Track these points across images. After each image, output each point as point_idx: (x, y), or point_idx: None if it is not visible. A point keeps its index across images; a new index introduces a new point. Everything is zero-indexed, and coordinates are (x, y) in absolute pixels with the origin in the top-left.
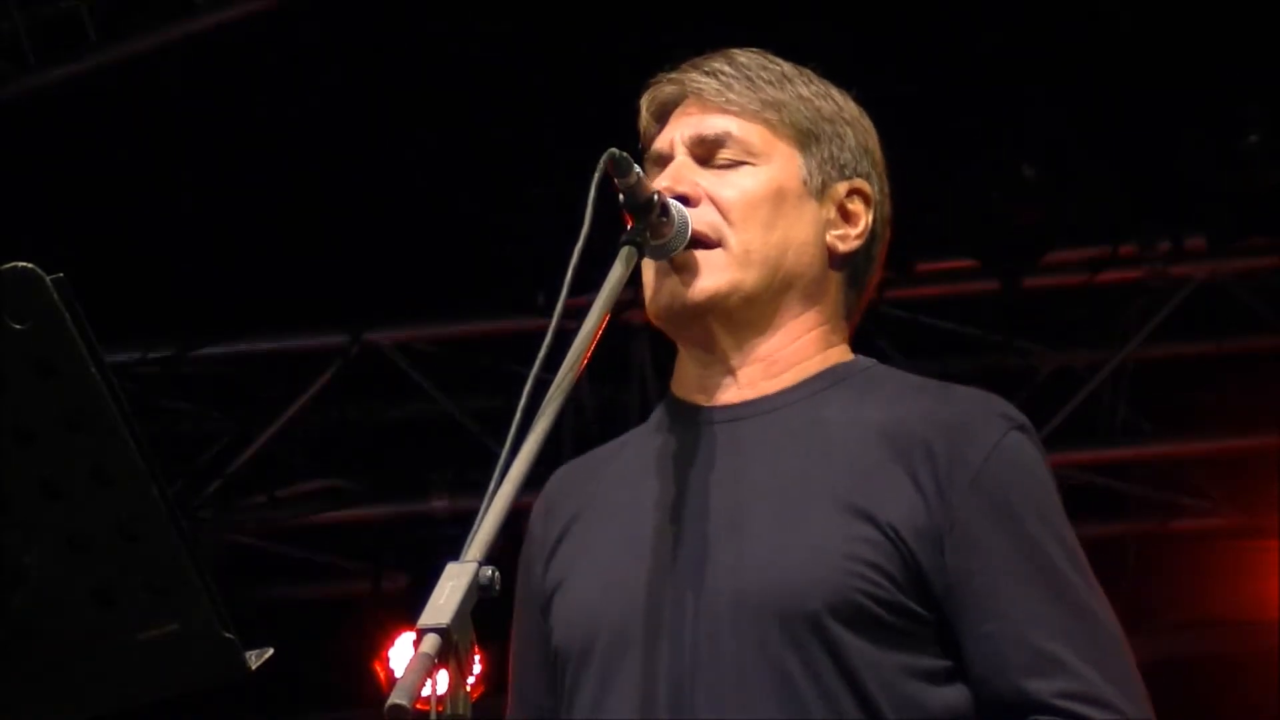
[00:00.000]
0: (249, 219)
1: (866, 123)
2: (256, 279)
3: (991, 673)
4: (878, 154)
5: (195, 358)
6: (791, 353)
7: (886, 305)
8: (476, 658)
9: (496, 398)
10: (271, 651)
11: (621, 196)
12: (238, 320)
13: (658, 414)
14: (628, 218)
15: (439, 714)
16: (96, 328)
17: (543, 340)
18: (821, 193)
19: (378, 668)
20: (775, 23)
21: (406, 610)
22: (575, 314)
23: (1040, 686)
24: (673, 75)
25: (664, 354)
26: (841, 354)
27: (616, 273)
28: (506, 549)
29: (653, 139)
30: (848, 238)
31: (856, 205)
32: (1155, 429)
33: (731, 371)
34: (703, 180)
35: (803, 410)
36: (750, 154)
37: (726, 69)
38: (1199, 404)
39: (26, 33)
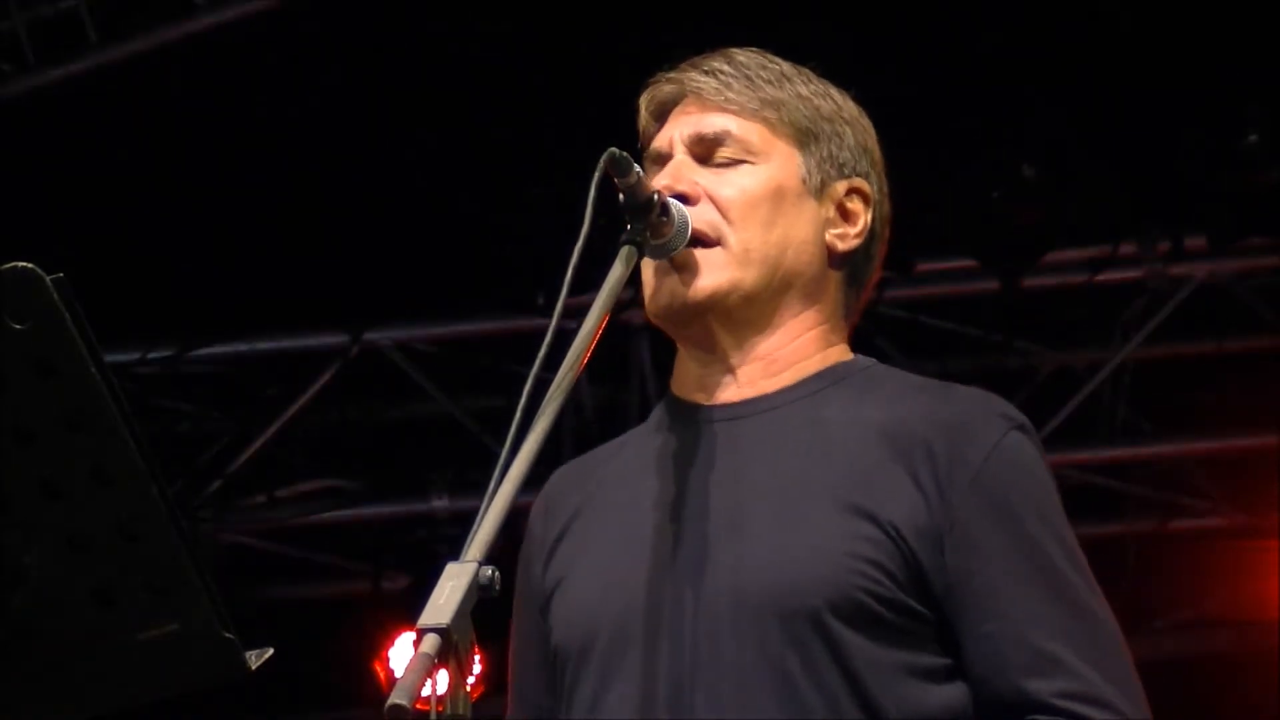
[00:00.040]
0: (249, 219)
1: (866, 122)
2: (256, 279)
3: (991, 672)
4: (877, 153)
5: (195, 358)
6: (791, 351)
7: (886, 305)
8: (476, 658)
9: (496, 398)
10: (271, 651)
11: (621, 196)
12: (238, 320)
13: (657, 413)
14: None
15: (439, 714)
16: (96, 328)
17: (543, 340)
18: (821, 191)
19: (378, 668)
20: (775, 23)
21: (406, 610)
22: (575, 314)
23: (1040, 686)
24: (672, 74)
25: (664, 354)
26: (841, 353)
27: (616, 272)
28: (506, 549)
29: (652, 138)
30: (847, 237)
31: (856, 204)
32: (1155, 429)
33: (731, 370)
34: (702, 179)
35: (802, 409)
36: (749, 152)
37: (726, 68)
38: (1199, 404)
39: (26, 33)
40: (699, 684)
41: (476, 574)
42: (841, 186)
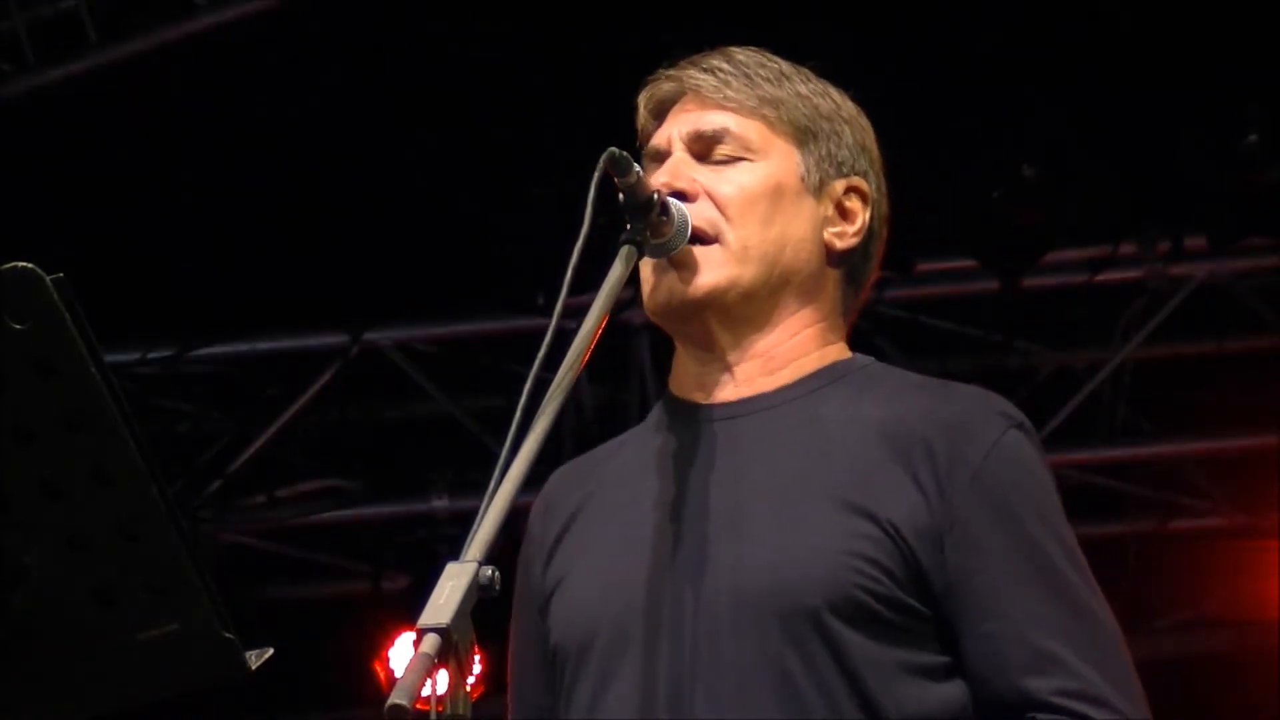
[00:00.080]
0: (249, 219)
1: (864, 121)
2: (256, 279)
3: (991, 671)
4: (875, 152)
5: (195, 358)
6: (788, 349)
7: (886, 305)
8: (476, 658)
9: (496, 398)
10: (271, 651)
11: (621, 196)
12: (238, 320)
13: (656, 413)
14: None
15: (439, 714)
16: (96, 328)
17: (543, 340)
18: (819, 190)
19: (378, 668)
20: (775, 23)
21: (406, 610)
22: (575, 314)
23: (1039, 685)
24: (670, 72)
25: (664, 354)
26: (839, 351)
27: (616, 272)
28: (506, 549)
29: (650, 136)
30: (845, 235)
31: (854, 203)
32: (1155, 429)
33: (729, 368)
34: (700, 176)
35: (801, 408)
36: (748, 150)
37: (725, 66)
38: (1199, 404)
39: (26, 33)
40: (698, 683)
41: (476, 574)
42: (840, 185)
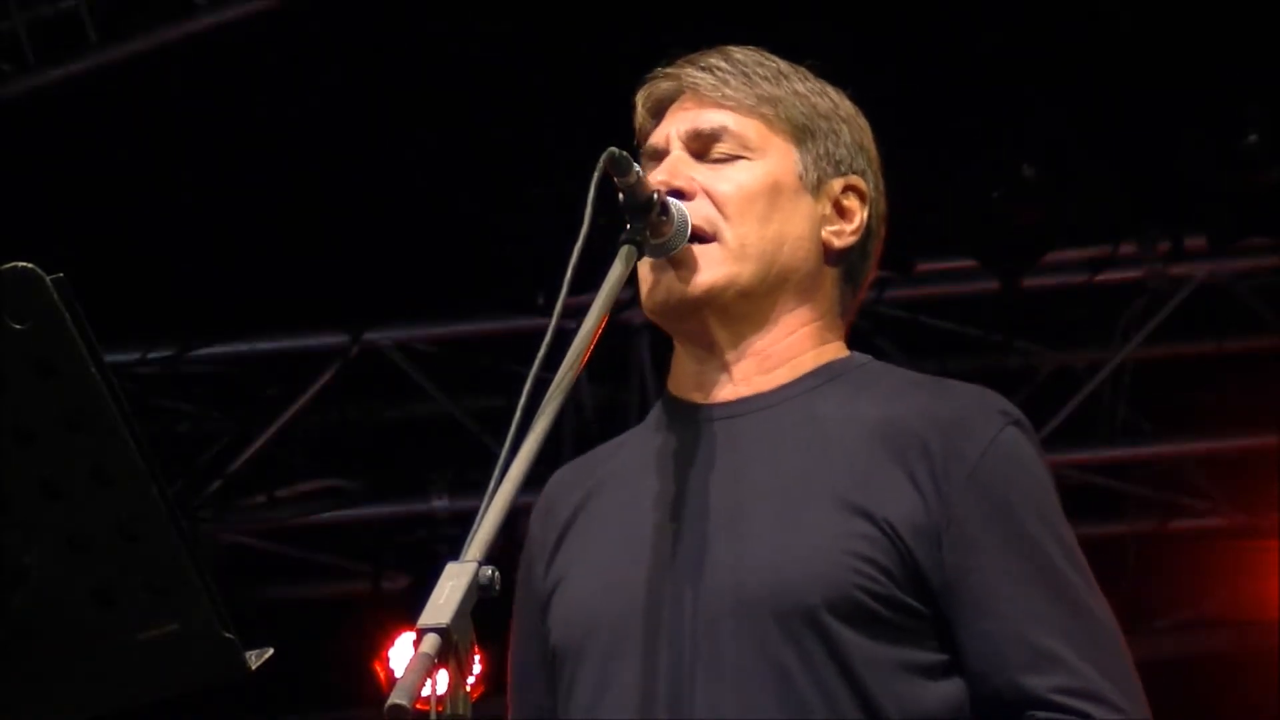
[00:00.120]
0: (249, 219)
1: (862, 121)
2: (256, 279)
3: (989, 669)
4: (873, 151)
5: (195, 358)
6: (785, 348)
7: (886, 305)
8: (476, 658)
9: (496, 398)
10: (271, 651)
11: (621, 196)
12: (238, 320)
13: (655, 413)
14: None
15: (439, 714)
16: (96, 328)
17: (543, 340)
18: (817, 188)
19: (378, 668)
20: (775, 23)
21: (406, 610)
22: (575, 314)
23: (1038, 683)
24: (668, 70)
25: (664, 354)
26: (837, 350)
27: (616, 272)
28: (506, 549)
29: (648, 134)
30: (843, 234)
31: (852, 201)
32: (1155, 429)
33: (727, 367)
34: (698, 174)
35: (799, 406)
36: (746, 148)
37: (723, 65)
38: (1199, 404)
39: (26, 33)
40: (698, 683)
41: (476, 574)
42: (838, 184)
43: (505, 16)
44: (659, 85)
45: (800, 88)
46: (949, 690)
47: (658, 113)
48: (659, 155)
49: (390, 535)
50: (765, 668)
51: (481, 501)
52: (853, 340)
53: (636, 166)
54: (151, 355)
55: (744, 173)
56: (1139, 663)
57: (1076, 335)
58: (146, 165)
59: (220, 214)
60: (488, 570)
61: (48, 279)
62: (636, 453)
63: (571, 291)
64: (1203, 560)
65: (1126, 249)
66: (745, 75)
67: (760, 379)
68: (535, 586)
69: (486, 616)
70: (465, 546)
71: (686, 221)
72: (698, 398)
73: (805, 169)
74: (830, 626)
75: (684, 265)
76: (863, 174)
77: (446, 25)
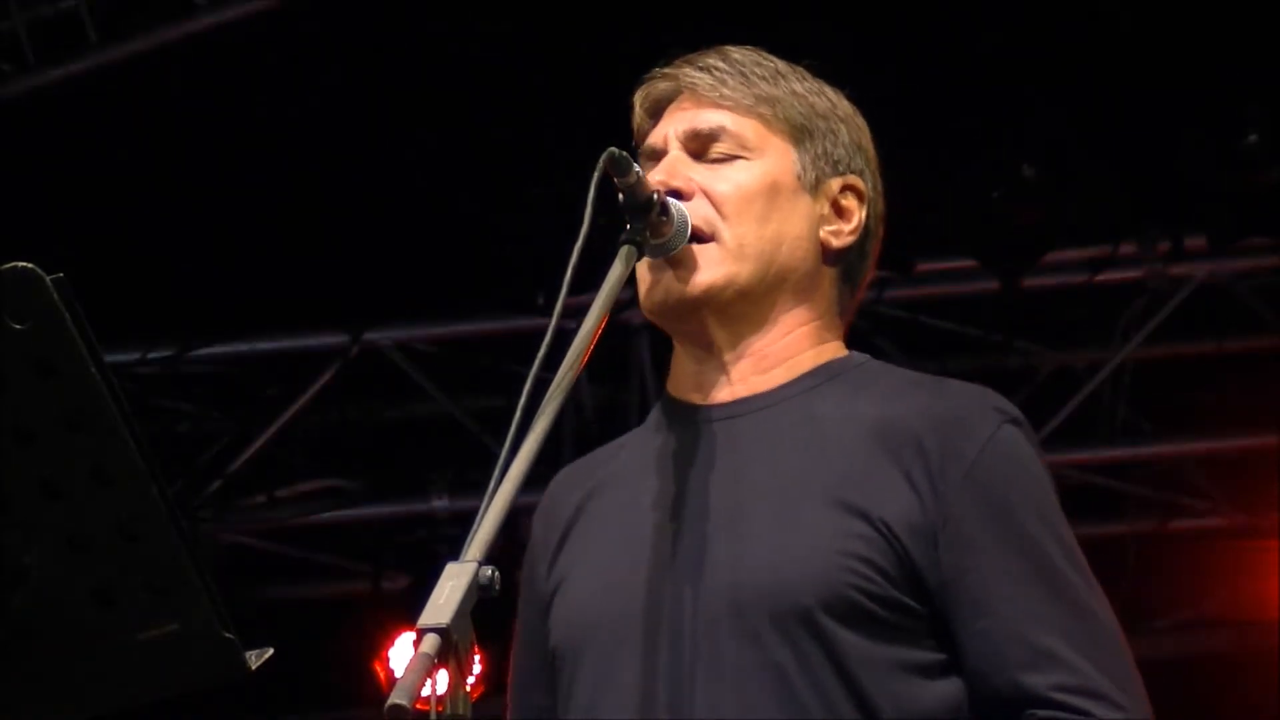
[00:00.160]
0: (249, 219)
1: (860, 120)
2: (256, 279)
3: (988, 668)
4: (871, 151)
5: (195, 358)
6: (783, 347)
7: (886, 305)
8: (476, 658)
9: (496, 398)
10: (271, 651)
11: (621, 196)
12: (238, 320)
13: (655, 414)
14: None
15: (439, 714)
16: (96, 328)
17: (543, 340)
18: (815, 188)
19: (378, 668)
20: (775, 23)
21: (406, 610)
22: (575, 314)
23: (1036, 680)
24: (666, 71)
25: (664, 354)
26: (835, 350)
27: (616, 272)
28: (506, 549)
29: (646, 134)
30: (841, 233)
31: (850, 201)
32: (1155, 429)
33: (725, 367)
34: (696, 174)
35: (797, 406)
36: (744, 148)
37: (721, 65)
38: (1199, 404)
39: (26, 33)
40: (698, 683)
41: (476, 574)
42: (836, 183)
43: (505, 16)
44: (657, 85)
45: (798, 87)
46: (947, 689)
47: (656, 113)
48: (657, 155)
49: (390, 535)
50: (763, 668)
51: (481, 501)
52: (853, 340)
53: (636, 167)
54: (151, 355)
55: (742, 173)
56: (1139, 663)
57: (1076, 335)
58: (146, 165)
59: (220, 214)
60: (488, 570)
61: (48, 279)
62: (636, 454)
63: (571, 291)
64: (1203, 560)
65: (1126, 249)
66: (743, 75)
67: (758, 379)
68: (537, 588)
69: (486, 616)
70: (465, 546)
71: (686, 222)
72: (696, 399)
73: (803, 169)
74: (826, 627)
75: (683, 265)
76: (861, 174)
77: (446, 25)
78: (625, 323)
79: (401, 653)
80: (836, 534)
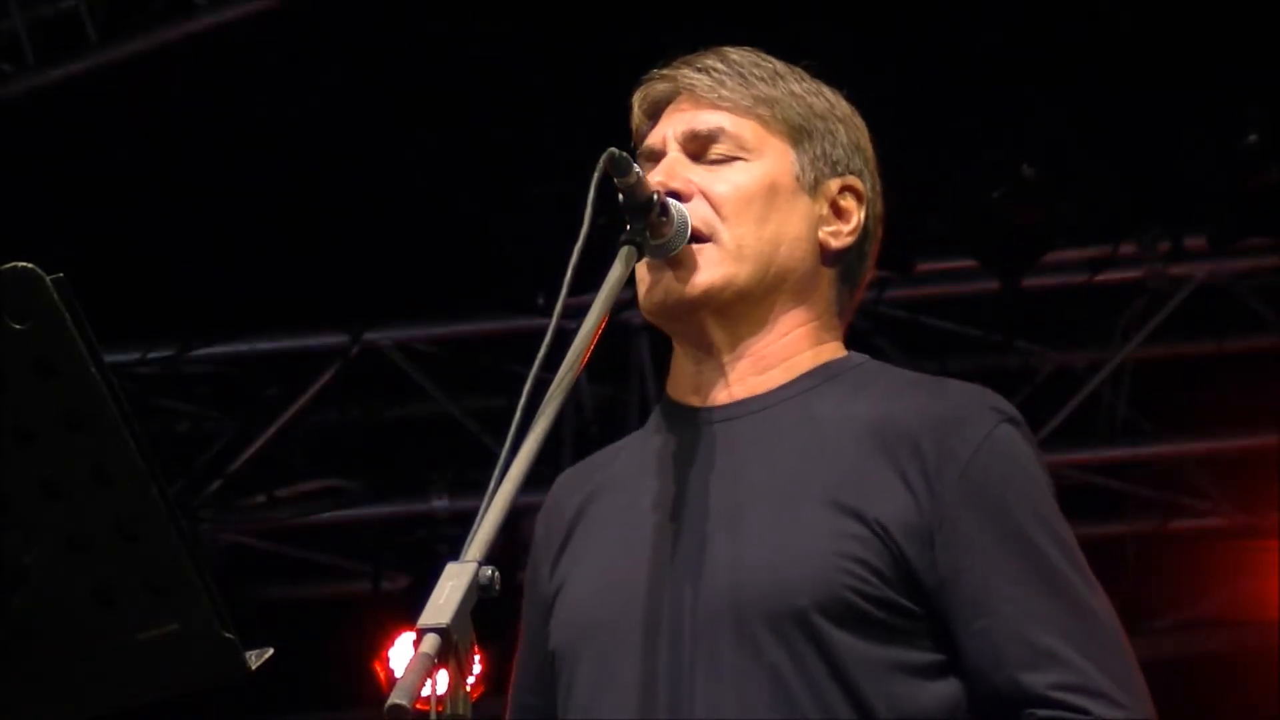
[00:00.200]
0: (249, 219)
1: (858, 121)
2: (256, 279)
3: (988, 668)
4: (870, 152)
5: (195, 358)
6: (781, 348)
7: (886, 305)
8: (476, 658)
9: (496, 398)
10: (271, 651)
11: (621, 196)
12: (238, 320)
13: (655, 417)
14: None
15: (439, 714)
16: (96, 328)
17: (543, 340)
18: (814, 189)
19: (378, 668)
20: (775, 23)
21: (406, 610)
22: (575, 314)
23: (1035, 679)
24: (665, 72)
25: (664, 354)
26: (834, 350)
27: (616, 272)
28: (507, 549)
29: (645, 136)
30: (840, 234)
31: (849, 202)
32: (1155, 429)
33: (723, 368)
34: (695, 176)
35: (795, 407)
36: (743, 149)
37: (719, 66)
38: (1199, 404)
39: (26, 33)
40: (698, 684)
41: (476, 574)
42: (835, 184)
43: (505, 16)
44: (655, 86)
45: (797, 88)
46: (944, 690)
47: (654, 114)
48: (656, 156)
49: (390, 535)
50: (759, 669)
51: (481, 501)
52: (852, 340)
53: (636, 167)
54: (151, 355)
55: (741, 174)
56: (1138, 663)
57: (1076, 335)
58: (146, 165)
59: (220, 214)
60: (488, 570)
61: (48, 279)
62: (636, 457)
63: (571, 291)
64: (1203, 560)
65: (1126, 249)
66: (741, 76)
67: (756, 380)
68: (540, 590)
69: (486, 616)
70: (465, 546)
71: (686, 222)
72: (695, 401)
73: (802, 169)
74: (821, 628)
75: (682, 266)
76: (860, 174)
77: (446, 25)
78: (625, 323)
79: (401, 653)
80: (832, 535)
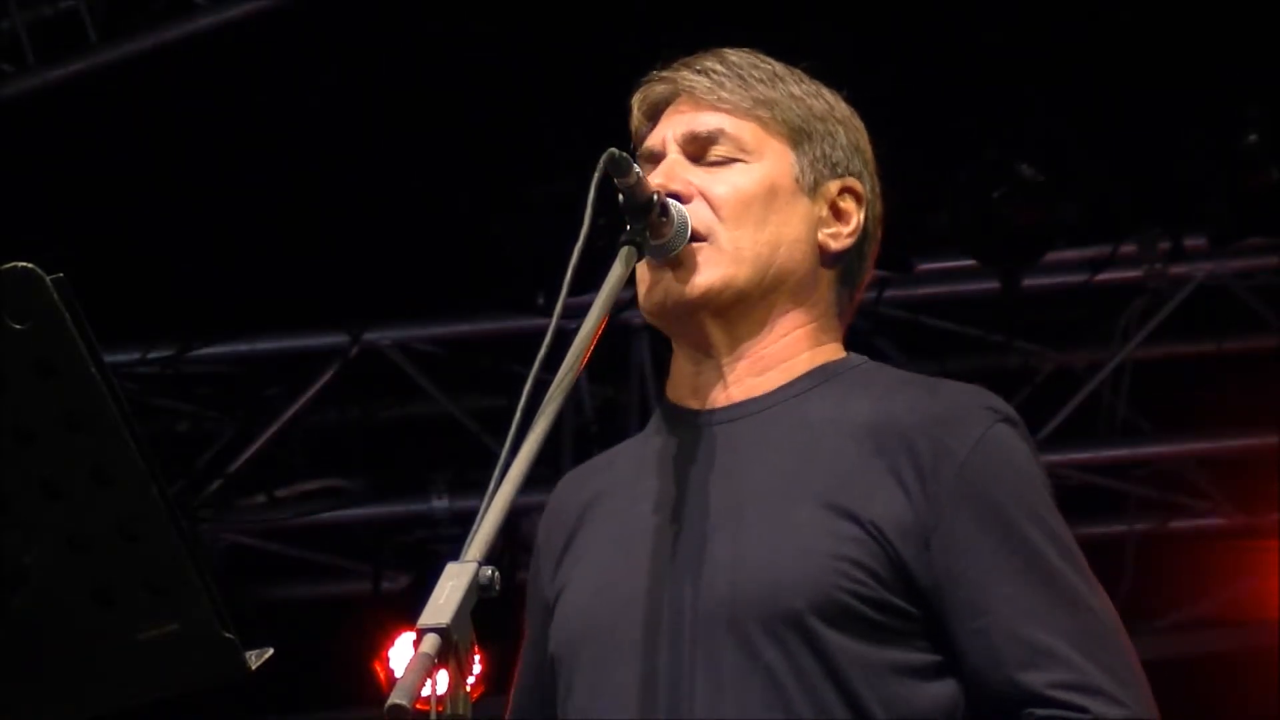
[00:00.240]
0: (249, 219)
1: (858, 122)
2: (256, 279)
3: (986, 668)
4: (869, 153)
5: (195, 358)
6: (778, 350)
7: (886, 305)
8: (476, 658)
9: (496, 398)
10: (271, 651)
11: (621, 196)
12: (238, 320)
13: (654, 420)
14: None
15: (439, 714)
16: (96, 328)
17: (543, 340)
18: (814, 190)
19: (378, 668)
20: (775, 23)
21: (406, 610)
22: (575, 314)
23: (1033, 678)
24: (664, 74)
25: (663, 354)
26: (832, 352)
27: (616, 273)
28: (506, 549)
29: (644, 137)
30: (839, 236)
31: (848, 203)
32: (1155, 429)
33: (722, 370)
34: (695, 177)
35: (792, 409)
36: (743, 151)
37: (718, 67)
38: (1199, 404)
39: (27, 33)
40: (697, 685)
41: (476, 574)
42: (834, 186)
43: (504, 17)
44: (654, 88)
45: (796, 90)
46: (941, 691)
47: (653, 115)
48: (655, 158)
49: (390, 535)
50: (755, 671)
51: (481, 501)
52: (852, 341)
53: (636, 167)
54: (151, 355)
55: (740, 176)
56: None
57: (1076, 335)
58: (146, 165)
59: (220, 214)
60: (488, 570)
61: (48, 279)
62: (636, 460)
63: (571, 291)
64: (1203, 560)
65: (1126, 249)
66: (741, 78)
67: (754, 381)
68: (542, 593)
69: (486, 616)
70: (465, 546)
71: (686, 223)
72: (694, 404)
73: (802, 171)
74: (816, 630)
75: (682, 266)
76: (859, 176)
77: (445, 25)
78: (625, 323)
79: (401, 653)
80: (828, 537)
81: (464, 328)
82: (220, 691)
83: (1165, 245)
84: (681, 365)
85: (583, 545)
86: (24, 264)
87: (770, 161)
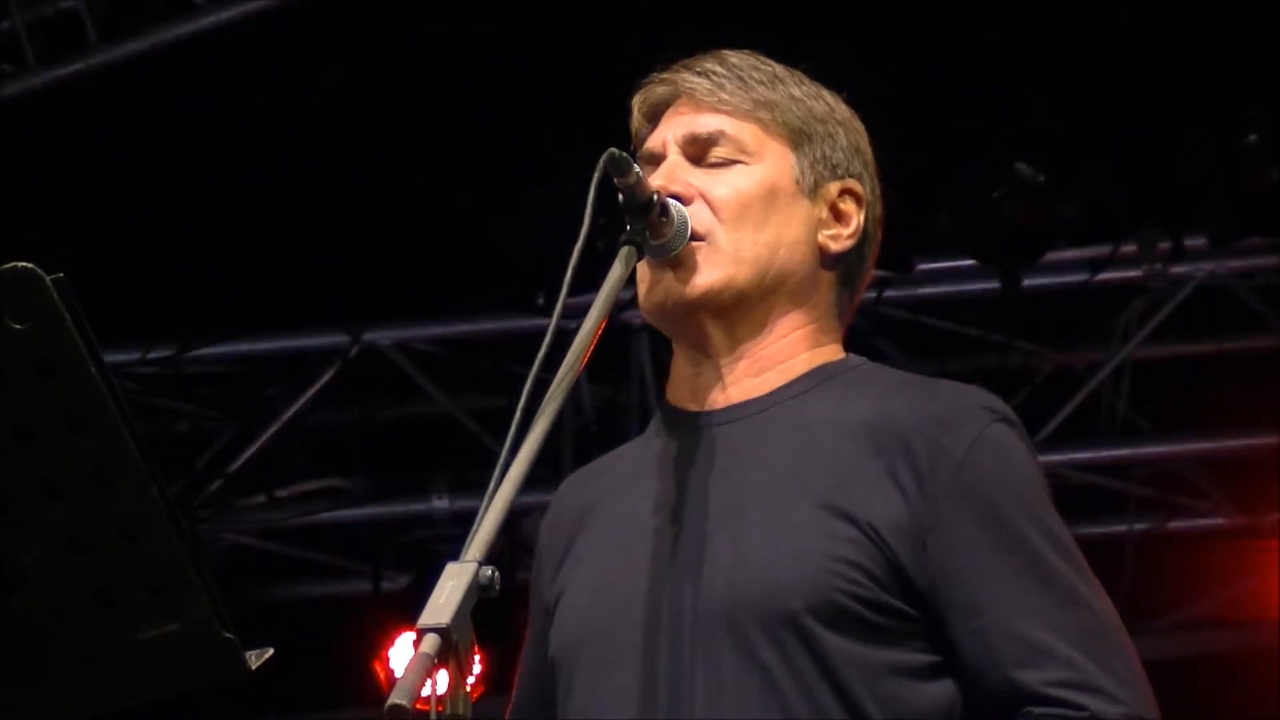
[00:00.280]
0: (249, 219)
1: (858, 124)
2: (256, 279)
3: (984, 667)
4: (869, 155)
5: (195, 358)
6: (777, 351)
7: (886, 305)
8: (476, 658)
9: (496, 398)
10: (271, 651)
11: (621, 197)
12: (238, 320)
13: (654, 422)
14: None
15: (439, 714)
16: (96, 328)
17: (543, 340)
18: (814, 192)
19: (378, 668)
20: (775, 23)
21: (406, 610)
22: (575, 314)
23: (1031, 677)
24: (664, 75)
25: (663, 354)
26: (832, 353)
27: (616, 273)
28: (507, 549)
29: (644, 139)
30: (840, 237)
31: (848, 205)
32: (1155, 429)
33: (721, 371)
34: (695, 179)
35: (790, 410)
36: (743, 153)
37: (719, 69)
38: (1199, 404)
39: (27, 33)
40: (697, 685)
41: (476, 574)
42: (834, 187)
43: (505, 17)
44: (654, 90)
45: (796, 91)
46: (938, 692)
47: (653, 117)
48: (655, 159)
49: (390, 535)
50: (752, 672)
51: (481, 501)
52: (852, 341)
53: (636, 167)
54: (151, 355)
55: (741, 177)
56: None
57: (1076, 335)
58: (146, 165)
59: (220, 214)
60: (488, 570)
61: (48, 279)
62: (636, 462)
63: (571, 291)
64: (1203, 560)
65: (1126, 249)
66: (741, 79)
67: (752, 382)
68: (543, 595)
69: (486, 616)
70: (465, 546)
71: (686, 223)
72: (693, 405)
73: (802, 173)
74: (813, 630)
75: (682, 267)
76: (859, 177)
77: (446, 25)
78: (625, 323)
79: (401, 653)
80: (824, 538)
81: (464, 328)
82: (220, 691)
83: (1165, 245)
84: (681, 367)
85: (583, 548)
86: (24, 264)
87: (770, 163)
